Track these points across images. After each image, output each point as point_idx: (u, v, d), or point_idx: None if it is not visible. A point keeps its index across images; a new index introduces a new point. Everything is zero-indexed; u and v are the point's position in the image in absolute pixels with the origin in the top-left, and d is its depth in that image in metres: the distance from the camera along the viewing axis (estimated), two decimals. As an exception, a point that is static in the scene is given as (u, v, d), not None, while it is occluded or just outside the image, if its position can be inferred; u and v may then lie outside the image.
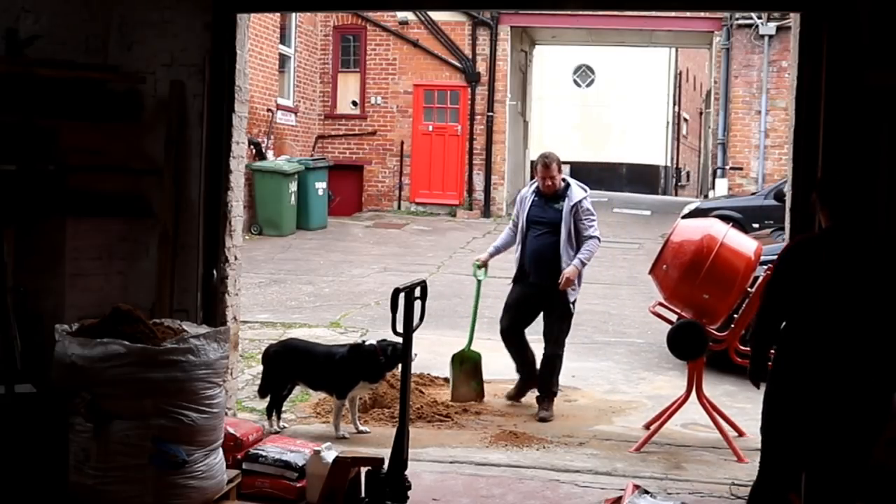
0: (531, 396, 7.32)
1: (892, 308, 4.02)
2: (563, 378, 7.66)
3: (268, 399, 6.64)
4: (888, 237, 4.47)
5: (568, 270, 7.01)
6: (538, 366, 7.25)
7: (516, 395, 7.41)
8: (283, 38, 18.25)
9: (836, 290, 4.05)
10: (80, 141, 5.84)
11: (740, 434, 6.53)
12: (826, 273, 4.07)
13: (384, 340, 6.41)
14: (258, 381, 7.75)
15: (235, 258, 6.19)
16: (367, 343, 6.57)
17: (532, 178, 7.53)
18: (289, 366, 6.65)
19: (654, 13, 18.14)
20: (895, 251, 4.17)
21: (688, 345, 6.32)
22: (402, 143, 19.83)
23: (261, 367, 8.15)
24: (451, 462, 5.94)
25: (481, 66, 19.61)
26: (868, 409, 4.03)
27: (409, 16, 19.53)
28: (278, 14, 17.17)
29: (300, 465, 5.16)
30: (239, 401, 6.80)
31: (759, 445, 5.92)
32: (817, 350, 4.04)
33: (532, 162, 7.59)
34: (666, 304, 6.68)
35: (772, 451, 4.22)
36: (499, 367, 8.47)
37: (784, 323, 4.19)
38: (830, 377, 4.01)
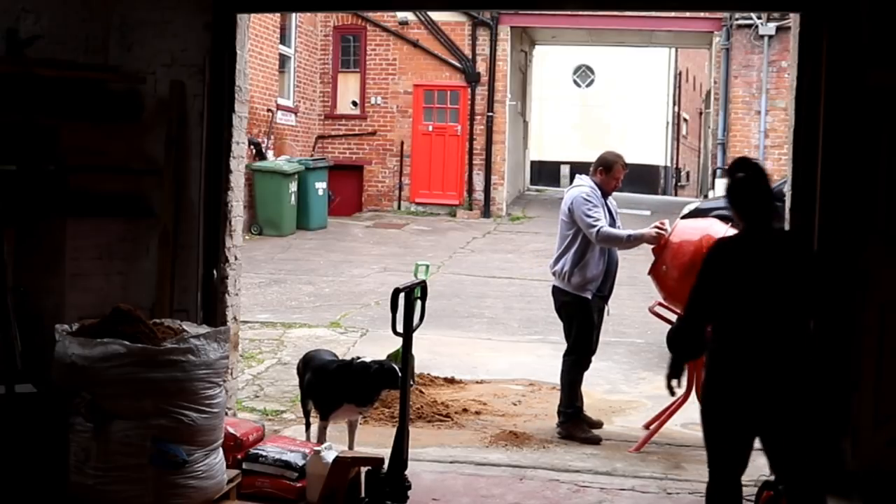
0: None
1: (810, 304, 4.22)
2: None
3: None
4: (799, 235, 4.62)
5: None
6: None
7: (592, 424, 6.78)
8: (283, 38, 18.25)
9: (754, 288, 4.19)
10: (80, 141, 5.84)
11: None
12: (744, 273, 4.22)
13: (377, 360, 5.89)
14: (258, 381, 7.79)
15: (235, 258, 6.19)
16: (357, 360, 5.92)
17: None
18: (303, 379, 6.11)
19: (654, 13, 18.14)
20: (808, 247, 4.41)
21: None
22: (402, 143, 19.84)
23: (261, 367, 8.20)
24: (451, 462, 5.93)
25: (481, 67, 19.61)
26: (804, 405, 4.13)
27: (409, 16, 19.54)
28: (278, 14, 17.16)
29: (300, 465, 5.16)
30: (239, 401, 6.79)
31: (758, 445, 5.97)
32: (743, 350, 4.16)
33: (608, 159, 6.82)
34: (665, 304, 6.68)
35: (714, 449, 4.30)
36: (500, 368, 8.51)
37: (710, 326, 4.33)
38: (759, 376, 4.11)
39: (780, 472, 4.28)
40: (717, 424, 4.25)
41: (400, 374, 5.30)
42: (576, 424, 6.62)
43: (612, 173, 6.73)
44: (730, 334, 4.24)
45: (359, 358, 5.98)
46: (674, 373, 4.43)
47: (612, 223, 6.69)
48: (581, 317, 6.68)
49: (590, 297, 6.65)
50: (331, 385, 5.79)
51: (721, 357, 4.25)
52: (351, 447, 5.73)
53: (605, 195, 6.72)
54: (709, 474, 4.35)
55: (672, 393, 4.48)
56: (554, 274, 6.76)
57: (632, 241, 6.62)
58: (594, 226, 6.49)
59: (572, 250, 6.62)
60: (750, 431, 4.20)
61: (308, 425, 6.07)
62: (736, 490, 4.27)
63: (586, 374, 6.87)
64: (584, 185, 6.69)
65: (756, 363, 4.13)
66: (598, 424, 6.80)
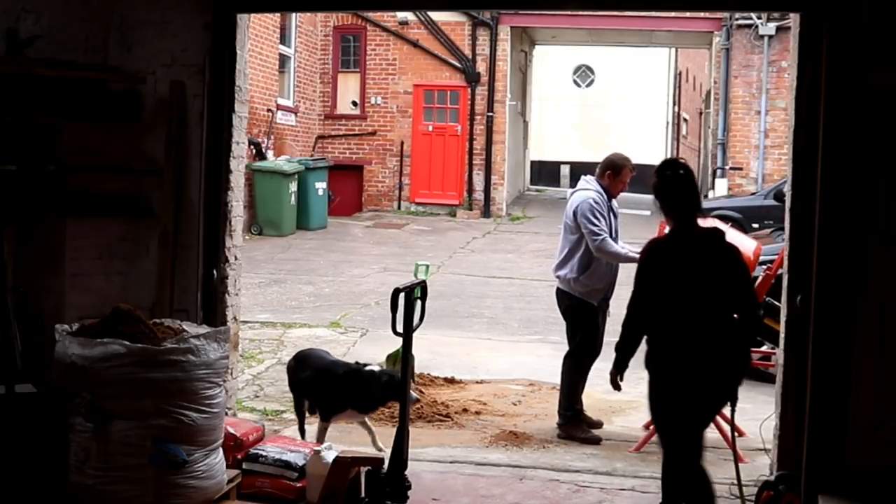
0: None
1: (733, 298, 4.49)
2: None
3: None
4: (720, 233, 4.79)
5: None
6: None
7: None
8: (283, 38, 18.25)
9: (685, 284, 4.46)
10: (80, 141, 5.84)
11: (740, 434, 6.52)
12: (675, 270, 4.50)
13: (385, 370, 5.98)
14: (258, 381, 7.78)
15: (235, 258, 6.19)
16: (367, 368, 5.95)
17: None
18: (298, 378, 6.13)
19: (654, 13, 18.14)
20: (728, 245, 4.62)
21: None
22: (402, 143, 19.84)
23: (261, 367, 8.20)
24: (451, 462, 5.93)
25: (481, 67, 19.62)
26: (720, 385, 4.53)
27: (409, 16, 19.54)
28: (278, 14, 17.17)
29: (300, 465, 5.16)
30: (239, 401, 6.79)
31: (759, 445, 6.00)
32: (678, 342, 4.46)
33: (616, 162, 6.74)
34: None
35: (666, 431, 4.59)
36: (500, 368, 8.51)
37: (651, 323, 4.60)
38: (691, 364, 4.43)
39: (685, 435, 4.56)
40: (667, 415, 4.54)
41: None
42: (575, 425, 6.61)
43: (620, 177, 6.66)
44: (665, 329, 4.50)
45: (367, 365, 6.01)
46: (617, 370, 4.72)
47: (615, 226, 6.67)
48: (586, 322, 6.64)
49: (595, 303, 6.63)
50: (337, 389, 5.81)
51: (659, 352, 4.52)
52: (374, 440, 5.86)
53: (611, 198, 6.68)
54: (671, 462, 4.59)
55: (618, 388, 4.77)
56: (558, 278, 6.73)
57: (628, 261, 6.58)
58: (598, 235, 6.43)
59: (577, 256, 6.56)
60: (694, 412, 4.51)
61: (303, 426, 6.06)
62: (705, 474, 4.52)
63: (586, 374, 6.86)
64: (590, 190, 6.59)
65: (689, 355, 4.43)
66: (598, 424, 6.79)
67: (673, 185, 4.62)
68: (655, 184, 4.72)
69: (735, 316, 4.54)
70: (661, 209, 4.69)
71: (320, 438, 5.71)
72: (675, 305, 4.47)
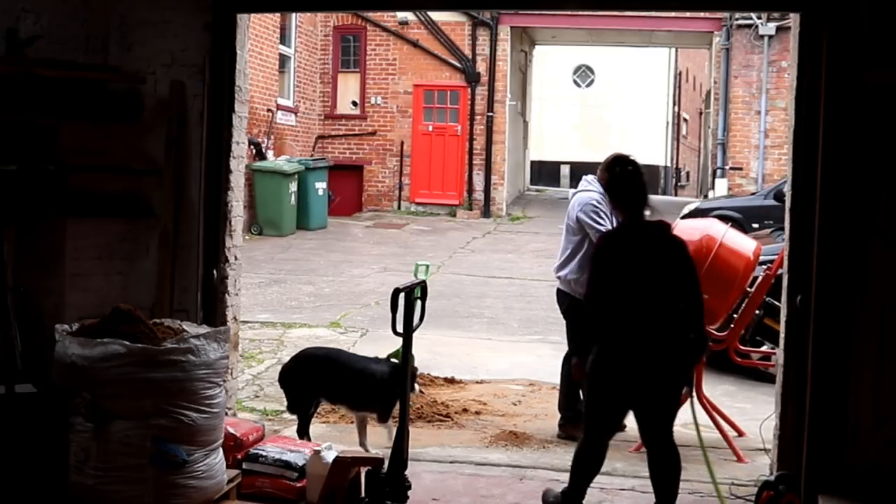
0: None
1: (678, 287, 4.69)
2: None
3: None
4: (667, 225, 4.95)
5: None
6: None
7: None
8: (283, 38, 18.26)
9: (634, 273, 4.67)
10: (80, 141, 5.85)
11: (740, 434, 6.53)
12: (625, 259, 4.70)
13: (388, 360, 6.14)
14: (258, 381, 7.78)
15: (235, 258, 6.19)
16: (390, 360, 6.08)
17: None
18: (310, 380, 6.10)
19: (654, 13, 18.15)
20: (674, 237, 4.85)
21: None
22: (402, 143, 19.84)
23: (261, 367, 8.20)
24: (451, 462, 5.93)
25: (481, 67, 19.62)
26: (670, 375, 4.73)
27: (409, 16, 19.55)
28: (278, 14, 17.17)
29: (300, 465, 5.16)
30: (239, 401, 6.79)
31: (758, 445, 6.00)
32: (626, 330, 4.65)
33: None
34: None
35: (595, 417, 4.83)
36: (500, 368, 8.52)
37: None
38: (637, 355, 4.64)
39: (647, 431, 4.86)
40: (602, 396, 4.78)
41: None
42: (576, 425, 6.60)
43: None
44: (615, 316, 4.67)
45: (389, 358, 6.12)
46: (578, 356, 4.92)
47: None
48: None
49: None
50: (391, 387, 5.82)
51: (609, 337, 4.70)
52: (364, 439, 5.89)
53: None
54: (584, 436, 4.91)
55: (584, 377, 4.85)
56: (559, 278, 6.73)
57: None
58: None
59: (578, 257, 6.53)
60: (627, 403, 4.79)
61: (308, 427, 6.04)
62: (604, 450, 4.88)
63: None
64: (592, 191, 6.55)
65: (635, 342, 4.64)
66: None
67: (621, 180, 4.84)
68: (606, 179, 4.95)
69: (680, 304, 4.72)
70: (611, 203, 4.96)
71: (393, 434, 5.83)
72: (623, 292, 4.67)
